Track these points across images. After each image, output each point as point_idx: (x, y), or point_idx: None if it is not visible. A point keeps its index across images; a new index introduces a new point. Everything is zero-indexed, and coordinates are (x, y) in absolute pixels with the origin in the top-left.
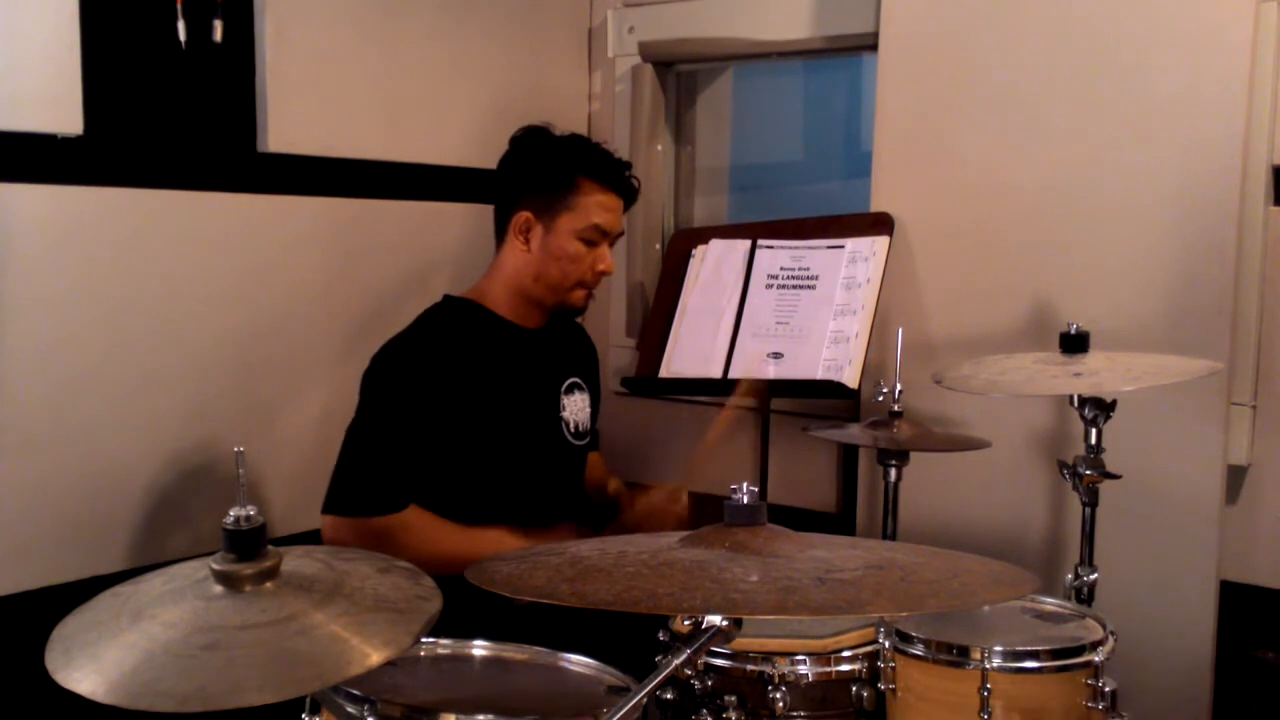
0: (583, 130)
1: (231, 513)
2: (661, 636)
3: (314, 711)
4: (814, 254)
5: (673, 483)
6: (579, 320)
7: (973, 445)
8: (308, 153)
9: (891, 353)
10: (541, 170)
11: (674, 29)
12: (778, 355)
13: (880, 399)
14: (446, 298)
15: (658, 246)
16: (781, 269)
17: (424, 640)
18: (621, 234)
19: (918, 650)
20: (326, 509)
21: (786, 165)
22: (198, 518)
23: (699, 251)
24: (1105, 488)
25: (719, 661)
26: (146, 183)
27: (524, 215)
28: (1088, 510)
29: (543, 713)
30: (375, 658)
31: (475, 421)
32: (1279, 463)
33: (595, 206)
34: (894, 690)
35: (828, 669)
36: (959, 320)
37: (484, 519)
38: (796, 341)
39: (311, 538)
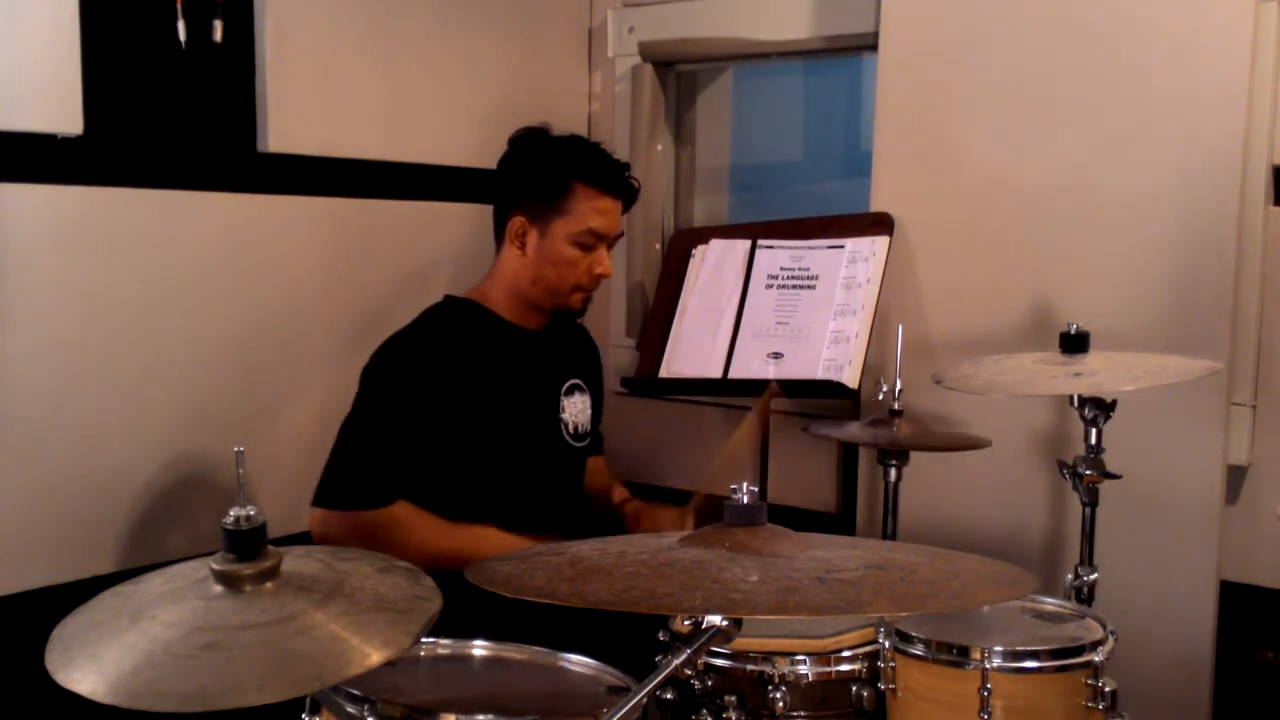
0: (582, 130)
1: (231, 513)
2: (661, 636)
3: (314, 711)
4: (814, 254)
5: (686, 485)
6: (581, 322)
7: (973, 445)
8: (308, 153)
9: (891, 352)
10: (535, 175)
11: (674, 29)
12: (778, 355)
13: (880, 398)
14: (448, 298)
15: (658, 246)
16: (781, 269)
17: (424, 640)
18: (621, 235)
19: (918, 650)
20: (315, 501)
21: (786, 165)
22: (198, 518)
23: (699, 251)
24: (1105, 488)
25: (719, 661)
26: (146, 183)
27: (519, 220)
28: (1088, 510)
29: (543, 713)
30: (375, 658)
31: (473, 421)
32: (1279, 463)
33: (590, 211)
34: (894, 690)
35: (828, 669)
36: (959, 320)
37: (481, 519)
38: (796, 341)
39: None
